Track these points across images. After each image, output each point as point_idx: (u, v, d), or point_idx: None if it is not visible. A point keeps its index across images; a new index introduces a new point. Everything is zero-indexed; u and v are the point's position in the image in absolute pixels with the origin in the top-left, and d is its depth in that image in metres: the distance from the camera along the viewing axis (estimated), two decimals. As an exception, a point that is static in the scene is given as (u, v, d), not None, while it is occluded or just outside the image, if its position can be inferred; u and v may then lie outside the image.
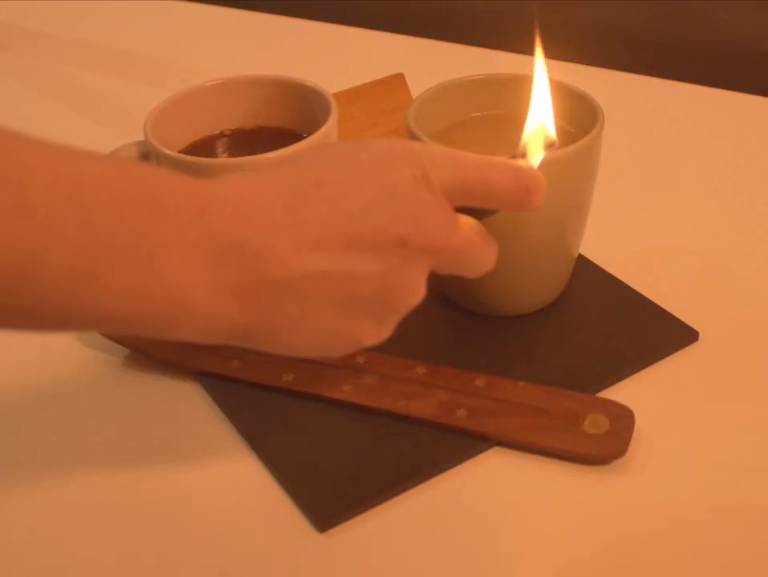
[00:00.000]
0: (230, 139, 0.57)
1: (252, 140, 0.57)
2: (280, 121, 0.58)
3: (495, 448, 0.47)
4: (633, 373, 0.51)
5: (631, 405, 0.48)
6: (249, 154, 0.51)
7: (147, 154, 0.53)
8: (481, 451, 0.47)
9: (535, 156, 0.44)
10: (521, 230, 0.51)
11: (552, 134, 0.45)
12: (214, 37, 0.96)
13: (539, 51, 0.45)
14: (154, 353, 0.53)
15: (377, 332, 0.40)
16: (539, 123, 0.45)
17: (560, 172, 0.49)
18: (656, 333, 0.53)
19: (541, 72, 0.46)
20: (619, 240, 0.61)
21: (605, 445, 0.46)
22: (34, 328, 0.36)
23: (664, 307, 0.55)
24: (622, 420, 0.47)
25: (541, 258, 0.53)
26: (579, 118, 0.53)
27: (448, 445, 0.47)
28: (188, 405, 0.51)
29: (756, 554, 0.42)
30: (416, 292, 0.40)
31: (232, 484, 0.47)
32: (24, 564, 0.44)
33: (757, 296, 0.56)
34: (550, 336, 0.53)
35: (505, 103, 0.56)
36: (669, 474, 0.46)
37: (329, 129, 0.52)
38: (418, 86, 0.57)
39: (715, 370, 0.51)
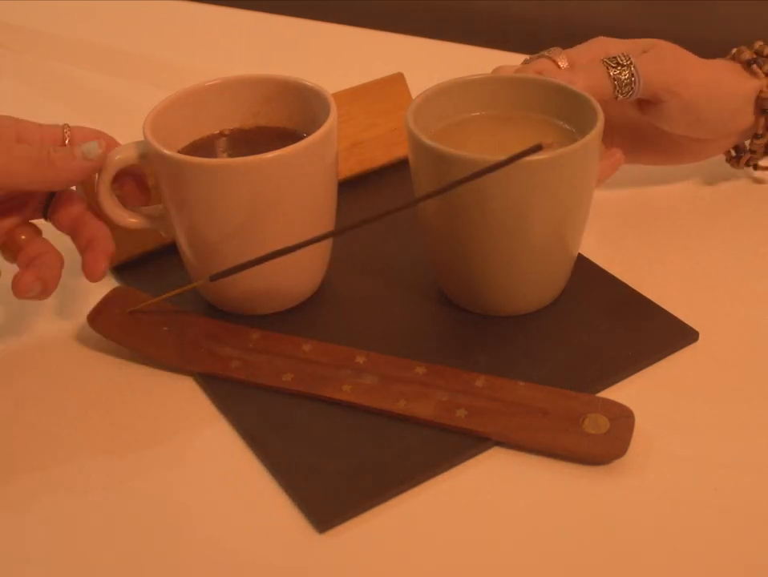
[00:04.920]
0: (230, 139, 0.57)
1: (251, 140, 0.57)
2: (280, 121, 0.58)
3: (495, 448, 0.47)
4: (633, 373, 0.51)
5: (631, 405, 0.48)
6: (249, 154, 0.51)
7: (146, 154, 0.53)
8: (481, 451, 0.47)
9: None
10: (521, 230, 0.51)
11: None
12: (214, 37, 0.96)
13: None
14: (154, 353, 0.53)
15: None
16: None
17: (560, 172, 0.49)
18: (656, 333, 0.53)
19: None
20: (619, 240, 0.61)
21: (605, 445, 0.46)
22: None
23: (664, 307, 0.55)
24: (622, 420, 0.47)
25: (541, 258, 0.53)
26: (579, 118, 0.53)
27: (448, 445, 0.47)
28: (188, 405, 0.51)
29: (756, 554, 0.42)
30: None
31: (231, 484, 0.47)
32: (22, 563, 0.44)
33: (757, 296, 0.56)
34: (550, 336, 0.53)
35: (505, 103, 0.56)
36: (669, 474, 0.46)
37: (329, 129, 0.52)
38: (418, 86, 0.57)
39: (715, 370, 0.51)
